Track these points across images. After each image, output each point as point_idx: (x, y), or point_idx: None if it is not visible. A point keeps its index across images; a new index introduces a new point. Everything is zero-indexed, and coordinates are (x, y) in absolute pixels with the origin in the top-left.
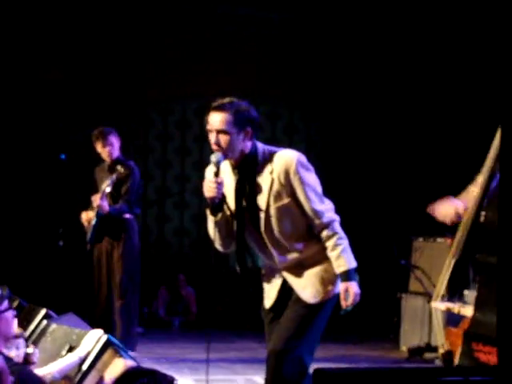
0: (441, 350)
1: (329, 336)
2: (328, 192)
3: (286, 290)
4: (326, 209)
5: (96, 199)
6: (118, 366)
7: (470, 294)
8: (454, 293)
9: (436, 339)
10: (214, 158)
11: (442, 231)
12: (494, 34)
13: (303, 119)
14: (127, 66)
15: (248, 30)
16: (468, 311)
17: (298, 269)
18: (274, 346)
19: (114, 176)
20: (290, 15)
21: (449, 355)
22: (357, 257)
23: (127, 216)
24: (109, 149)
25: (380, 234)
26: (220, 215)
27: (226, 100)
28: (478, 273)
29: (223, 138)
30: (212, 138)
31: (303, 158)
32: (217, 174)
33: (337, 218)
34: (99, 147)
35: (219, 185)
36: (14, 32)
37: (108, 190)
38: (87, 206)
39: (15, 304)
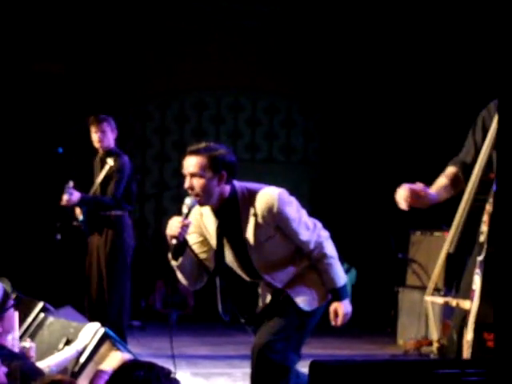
0: (436, 345)
1: (326, 329)
2: (326, 186)
3: (278, 297)
4: (312, 235)
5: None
6: (114, 358)
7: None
8: (450, 286)
9: (431, 333)
10: (188, 200)
11: (440, 225)
12: (493, 30)
13: (301, 113)
14: (126, 60)
15: (246, 23)
16: (467, 304)
17: (294, 282)
18: (259, 340)
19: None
20: (288, 7)
21: (444, 349)
22: (355, 251)
23: (116, 213)
24: (99, 135)
25: (377, 227)
26: (180, 260)
27: (202, 145)
28: (485, 265)
29: (197, 182)
30: (186, 182)
31: (283, 194)
32: (186, 216)
33: (323, 236)
34: (92, 132)
35: (185, 227)
36: (14, 25)
37: (71, 184)
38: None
39: (13, 297)
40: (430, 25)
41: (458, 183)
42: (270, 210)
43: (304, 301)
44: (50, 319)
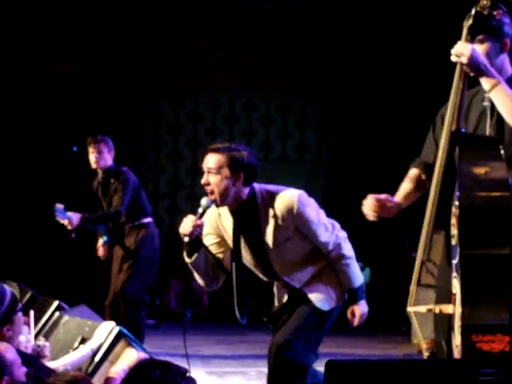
0: (426, 354)
1: (340, 329)
2: (339, 185)
3: (295, 296)
4: (331, 236)
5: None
6: (130, 357)
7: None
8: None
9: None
10: (203, 201)
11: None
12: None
13: (315, 111)
14: (139, 59)
15: (260, 23)
16: (450, 309)
17: (312, 282)
18: (277, 338)
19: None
20: (304, 7)
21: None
22: (369, 249)
23: (142, 221)
24: (96, 156)
25: (392, 226)
26: (194, 258)
27: (225, 144)
28: (461, 267)
29: (213, 178)
30: (203, 177)
31: (303, 196)
32: (200, 217)
33: (342, 237)
34: (89, 153)
35: (197, 227)
36: (27, 25)
37: (60, 206)
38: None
39: (27, 296)
40: (443, 24)
41: (421, 185)
42: (289, 211)
43: (321, 300)
44: (65, 318)
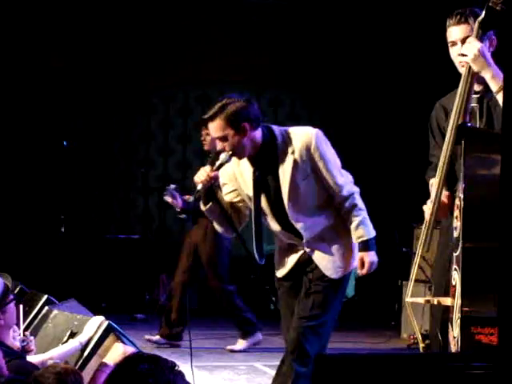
0: (422, 345)
1: None
2: None
3: (302, 262)
4: (346, 182)
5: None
6: (118, 351)
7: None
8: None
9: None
10: (223, 155)
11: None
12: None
13: (306, 106)
14: (129, 53)
15: (250, 16)
16: (448, 301)
17: (319, 243)
18: (299, 322)
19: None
20: (292, 1)
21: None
22: None
23: None
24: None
25: (381, 221)
26: (208, 206)
27: (216, 106)
28: (463, 260)
29: (225, 143)
30: (217, 146)
31: (321, 134)
32: (217, 169)
33: (356, 189)
34: (204, 135)
35: (211, 178)
36: (15, 19)
37: (173, 186)
38: (91, 193)
39: (17, 290)
40: (433, 20)
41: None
42: (307, 146)
43: (329, 269)
44: (55, 312)
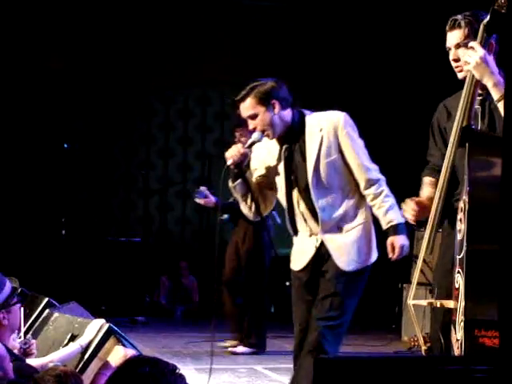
0: (424, 347)
1: None
2: None
3: (320, 254)
4: (373, 167)
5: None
6: (119, 354)
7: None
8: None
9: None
10: (255, 134)
11: (443, 221)
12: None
13: (306, 107)
14: (129, 55)
15: (250, 18)
16: (451, 303)
17: (335, 232)
18: (318, 322)
19: None
20: (291, 3)
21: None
22: None
23: None
24: None
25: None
26: (236, 183)
27: (247, 88)
28: (467, 262)
29: (256, 122)
30: (249, 125)
31: (349, 117)
32: (248, 147)
33: (383, 177)
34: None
35: (241, 155)
36: (16, 21)
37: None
38: (92, 195)
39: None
40: (434, 20)
41: None
42: (335, 126)
43: (343, 261)
44: (55, 315)
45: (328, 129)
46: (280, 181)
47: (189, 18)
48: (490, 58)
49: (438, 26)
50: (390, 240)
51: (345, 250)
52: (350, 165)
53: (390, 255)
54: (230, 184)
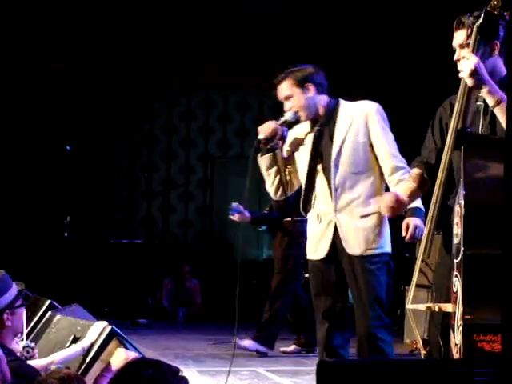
0: (423, 352)
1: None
2: None
3: (336, 242)
4: (401, 158)
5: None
6: (121, 356)
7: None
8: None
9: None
10: (289, 113)
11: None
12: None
13: None
14: (132, 57)
15: (252, 20)
16: (449, 307)
17: (348, 216)
18: (366, 322)
19: None
20: (293, 5)
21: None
22: None
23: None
24: None
25: None
26: (264, 157)
27: (285, 72)
28: (464, 266)
29: (292, 102)
30: (285, 106)
31: (382, 110)
32: (281, 124)
33: (409, 168)
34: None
35: (273, 130)
36: (16, 22)
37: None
38: (94, 197)
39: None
40: (433, 20)
41: (424, 184)
42: (366, 112)
43: (350, 246)
44: (57, 317)
45: (359, 114)
46: (305, 157)
47: (191, 21)
48: (483, 66)
49: (438, 25)
50: (405, 220)
51: (352, 234)
52: (377, 152)
53: (404, 234)
54: (259, 157)
